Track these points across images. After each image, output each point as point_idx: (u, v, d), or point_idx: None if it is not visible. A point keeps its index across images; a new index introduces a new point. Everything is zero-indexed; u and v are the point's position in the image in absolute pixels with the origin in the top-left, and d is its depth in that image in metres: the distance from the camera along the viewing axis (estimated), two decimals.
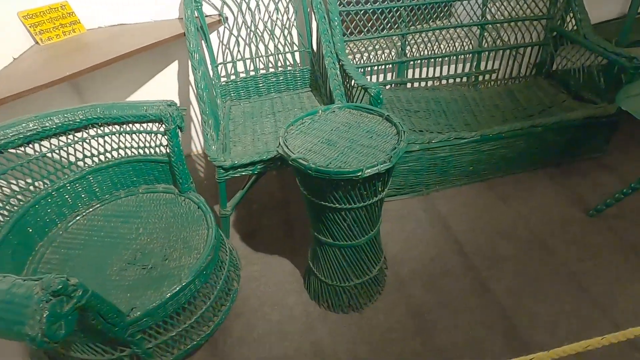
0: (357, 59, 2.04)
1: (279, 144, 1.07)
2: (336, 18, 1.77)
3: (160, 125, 1.27)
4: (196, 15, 1.69)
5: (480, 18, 2.05)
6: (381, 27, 1.98)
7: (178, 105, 1.28)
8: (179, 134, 1.27)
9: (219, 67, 1.87)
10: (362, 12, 1.90)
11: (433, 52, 2.09)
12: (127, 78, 1.94)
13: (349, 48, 2.01)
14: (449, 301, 1.35)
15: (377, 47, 2.02)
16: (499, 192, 1.78)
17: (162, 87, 1.98)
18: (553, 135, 1.79)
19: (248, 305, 1.40)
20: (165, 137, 1.28)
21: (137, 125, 1.29)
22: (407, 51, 2.06)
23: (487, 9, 2.03)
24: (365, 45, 2.01)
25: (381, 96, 1.45)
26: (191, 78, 2.01)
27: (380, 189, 1.09)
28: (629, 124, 1.68)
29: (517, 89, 2.17)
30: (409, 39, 2.04)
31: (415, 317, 1.31)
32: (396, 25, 1.99)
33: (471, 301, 1.35)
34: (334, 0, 1.78)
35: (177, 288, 1.04)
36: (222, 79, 1.88)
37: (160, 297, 1.03)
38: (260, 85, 1.95)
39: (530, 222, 1.62)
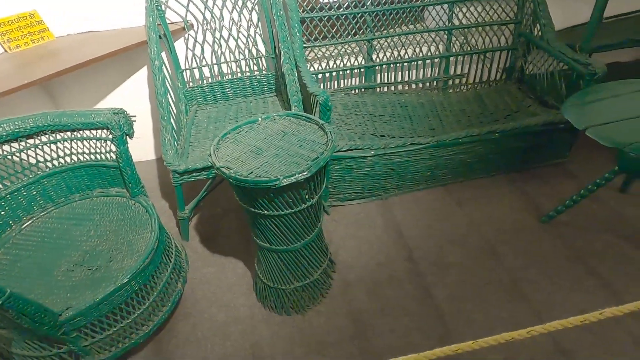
0: (324, 65, 2.06)
1: (209, 152, 1.11)
2: (296, 25, 1.81)
3: (108, 132, 1.32)
4: (158, 22, 1.74)
5: (447, 23, 2.06)
6: (346, 33, 2.01)
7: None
8: (127, 140, 1.32)
9: (186, 73, 1.92)
10: (326, 18, 1.93)
11: (401, 57, 2.11)
12: (100, 83, 2.01)
13: (313, 54, 2.04)
14: (391, 306, 1.38)
15: (342, 52, 2.05)
16: (457, 197, 1.80)
17: (133, 92, 2.04)
18: (513, 141, 1.79)
19: (197, 306, 1.44)
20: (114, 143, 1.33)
21: (87, 132, 1.34)
22: (374, 56, 2.08)
23: (454, 14, 2.04)
24: (331, 51, 2.04)
25: (329, 103, 1.49)
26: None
27: (307, 197, 1.12)
28: None
29: (485, 94, 2.18)
30: (375, 44, 2.06)
31: (355, 321, 1.35)
32: (361, 31, 2.01)
33: (412, 307, 1.37)
34: (294, 7, 1.82)
35: (110, 289, 1.09)
36: (189, 85, 1.93)
37: (93, 297, 1.08)
38: (227, 90, 1.99)
39: (483, 228, 1.63)
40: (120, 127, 1.29)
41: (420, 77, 2.19)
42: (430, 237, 1.62)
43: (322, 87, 2.12)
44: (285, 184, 0.99)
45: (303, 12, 1.90)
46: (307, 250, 1.28)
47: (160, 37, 1.74)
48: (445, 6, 2.03)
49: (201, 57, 1.91)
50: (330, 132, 1.18)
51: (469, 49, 2.13)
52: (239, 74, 1.98)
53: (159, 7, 1.72)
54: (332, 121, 1.92)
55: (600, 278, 1.39)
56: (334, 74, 2.09)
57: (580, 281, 1.39)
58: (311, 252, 1.30)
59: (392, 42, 2.07)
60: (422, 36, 2.09)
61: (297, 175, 1.00)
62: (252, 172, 1.03)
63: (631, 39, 1.91)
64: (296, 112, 1.30)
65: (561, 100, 1.86)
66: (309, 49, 2.01)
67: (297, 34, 1.80)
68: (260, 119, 1.29)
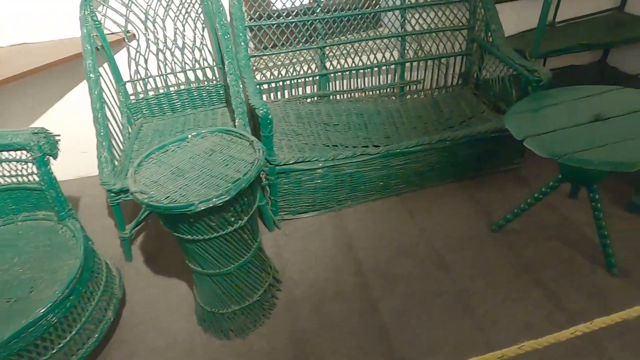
0: (276, 73, 2.01)
1: (127, 175, 1.05)
2: (241, 34, 1.75)
3: (28, 153, 1.24)
4: (95, 34, 1.66)
5: (400, 29, 2.04)
6: (297, 41, 1.96)
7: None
8: (49, 161, 1.25)
9: (130, 85, 1.84)
10: (275, 25, 1.88)
11: (355, 64, 2.07)
12: (39, 98, 1.91)
13: (264, 63, 1.98)
14: (335, 324, 1.34)
15: (294, 60, 2.01)
16: (410, 207, 1.77)
17: (77, 105, 1.95)
18: (465, 148, 1.78)
19: (135, 332, 1.38)
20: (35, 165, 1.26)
21: (6, 153, 1.26)
22: (327, 64, 2.04)
23: (407, 21, 2.02)
24: (282, 59, 1.99)
25: (269, 117, 1.44)
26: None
27: (234, 219, 1.07)
28: None
29: (442, 100, 2.16)
30: (328, 52, 2.02)
31: (297, 342, 1.30)
32: (312, 39, 1.97)
33: (357, 323, 1.33)
34: (239, 15, 1.76)
35: (22, 325, 1.02)
36: (132, 97, 1.86)
37: (3, 334, 1.00)
38: (175, 101, 1.92)
39: (433, 238, 1.61)
40: (40, 147, 1.21)
41: (376, 84, 2.16)
42: (380, 248, 1.59)
43: (275, 96, 2.07)
44: (201, 209, 0.93)
45: (250, 20, 1.85)
46: (243, 272, 1.23)
47: (98, 48, 1.67)
48: (398, 13, 2.01)
49: (146, 69, 1.84)
50: (259, 149, 1.13)
51: (423, 55, 2.11)
52: (187, 85, 1.91)
53: (94, 17, 1.65)
54: (283, 131, 1.88)
55: (546, 288, 1.38)
56: (287, 82, 2.04)
57: (526, 292, 1.37)
58: (248, 274, 1.25)
59: (345, 50, 2.03)
60: (376, 43, 2.06)
61: (214, 200, 0.94)
62: (168, 197, 0.97)
63: (580, 43, 1.92)
64: (228, 128, 1.24)
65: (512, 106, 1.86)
66: (259, 58, 1.96)
67: (243, 43, 1.75)
68: (189, 136, 1.23)
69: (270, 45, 1.94)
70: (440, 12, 2.03)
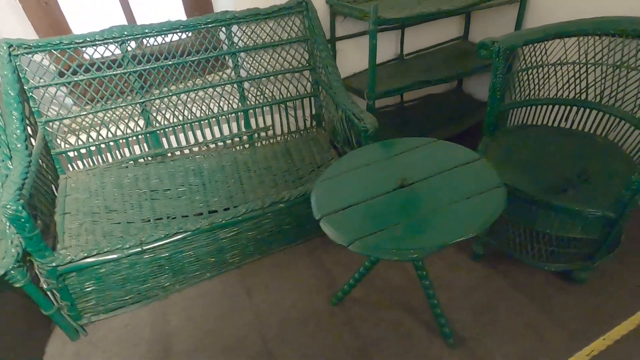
0: (94, 136, 1.69)
1: None
2: (13, 102, 1.41)
3: None
4: None
5: (235, 75, 1.83)
6: (114, 96, 1.67)
7: None
8: None
9: None
10: (72, 84, 1.57)
11: (186, 117, 1.82)
12: None
13: (77, 125, 1.66)
14: None
15: (113, 118, 1.70)
16: (249, 283, 1.54)
17: None
18: (307, 207, 1.59)
19: None
20: None
21: None
22: (159, 117, 1.77)
23: (238, 66, 1.81)
24: (100, 118, 1.67)
25: (22, 214, 1.12)
26: None
27: None
28: None
29: (294, 146, 1.98)
30: (149, 106, 1.75)
31: None
32: (134, 92, 1.69)
33: None
34: (10, 78, 1.43)
35: None
36: None
37: None
38: None
39: (267, 324, 1.38)
40: None
41: (219, 135, 1.93)
42: (203, 348, 1.33)
43: (95, 161, 1.74)
44: None
45: (62, 75, 1.52)
46: None
47: None
48: (228, 57, 1.80)
49: None
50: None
51: (265, 99, 1.92)
52: None
53: None
54: (90, 211, 1.55)
55: None
56: (111, 143, 1.73)
57: None
58: None
59: (174, 101, 1.78)
60: (207, 92, 1.82)
61: None
62: None
63: (418, 80, 1.85)
64: None
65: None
66: (74, 118, 1.63)
67: (15, 113, 1.41)
68: None
69: (94, 102, 1.63)
70: (276, 54, 1.85)
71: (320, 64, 1.85)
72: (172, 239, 1.41)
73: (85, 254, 1.29)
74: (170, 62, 1.69)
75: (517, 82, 1.65)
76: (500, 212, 0.97)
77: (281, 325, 1.37)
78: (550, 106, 1.62)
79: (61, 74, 1.58)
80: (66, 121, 1.63)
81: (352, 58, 2.06)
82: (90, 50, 1.57)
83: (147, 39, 1.64)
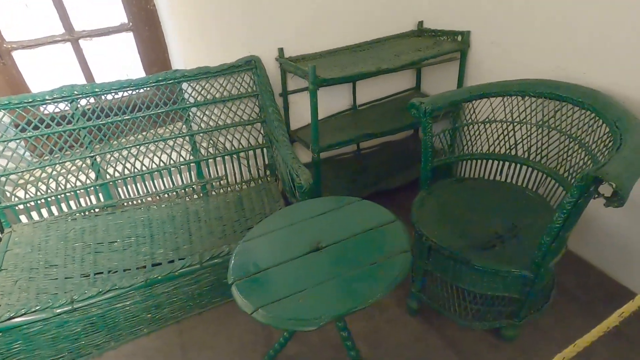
0: (43, 189, 1.72)
1: None
2: None
3: None
4: None
5: (187, 128, 1.89)
6: (62, 151, 1.72)
7: None
8: None
9: None
10: (44, 135, 1.62)
11: (137, 168, 1.86)
12: None
13: (33, 175, 1.70)
14: None
15: (62, 172, 1.74)
16: (186, 340, 1.53)
17: None
18: None
19: None
20: None
21: None
22: (102, 171, 1.81)
23: (190, 120, 1.88)
24: (49, 172, 1.71)
25: None
26: None
27: None
28: None
29: (246, 195, 2.01)
30: (97, 159, 1.79)
31: None
32: (84, 147, 1.74)
33: None
34: None
35: None
36: None
37: None
38: None
39: None
40: None
41: (172, 185, 1.97)
42: None
43: (45, 213, 1.77)
44: None
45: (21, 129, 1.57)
46: None
47: None
48: (179, 112, 1.87)
49: None
50: None
51: (217, 151, 1.97)
52: None
53: None
54: (29, 267, 1.56)
55: None
56: (61, 196, 1.76)
57: None
58: None
59: (124, 154, 1.83)
60: (158, 145, 1.88)
61: None
62: None
63: (361, 134, 1.92)
64: None
65: None
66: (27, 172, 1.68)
67: None
68: None
69: (42, 157, 1.68)
70: (227, 108, 1.93)
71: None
72: (105, 297, 1.40)
73: (12, 314, 1.29)
74: (119, 118, 1.76)
75: (457, 137, 1.72)
76: (401, 279, 0.99)
77: None
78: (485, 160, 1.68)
79: (11, 129, 1.63)
80: (13, 176, 1.67)
81: (304, 110, 2.14)
82: (42, 108, 1.64)
83: (98, 96, 1.71)
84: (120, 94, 1.74)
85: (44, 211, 1.78)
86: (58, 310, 1.35)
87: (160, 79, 1.76)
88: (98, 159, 1.79)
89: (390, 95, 2.37)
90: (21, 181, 1.69)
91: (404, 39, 2.16)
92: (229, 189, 2.07)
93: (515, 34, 1.71)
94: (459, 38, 1.93)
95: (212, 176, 2.02)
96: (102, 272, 1.59)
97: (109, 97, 1.73)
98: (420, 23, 2.18)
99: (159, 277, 1.47)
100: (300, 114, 2.16)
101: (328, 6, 1.97)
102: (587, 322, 1.41)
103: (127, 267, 1.62)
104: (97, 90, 1.68)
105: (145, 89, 1.77)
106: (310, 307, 0.96)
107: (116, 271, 1.60)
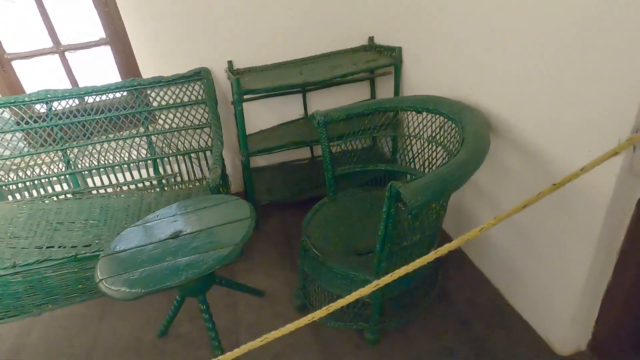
0: (20, 174, 2.09)
1: None
2: None
3: None
4: None
5: (144, 129, 2.17)
6: (39, 144, 2.08)
7: None
8: None
9: None
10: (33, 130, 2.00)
11: (101, 162, 2.17)
12: None
13: (23, 161, 2.09)
14: None
15: (38, 162, 2.10)
16: (108, 309, 1.77)
17: None
18: None
19: None
20: None
21: None
22: (71, 163, 2.14)
23: (147, 122, 2.15)
24: (27, 162, 2.08)
25: None
26: None
27: None
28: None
29: (195, 192, 2.22)
30: (67, 153, 2.12)
31: None
32: (56, 142, 2.09)
33: None
34: None
35: None
36: None
37: None
38: None
39: (98, 348, 1.59)
40: None
41: (132, 179, 2.25)
42: None
43: (25, 195, 2.14)
44: None
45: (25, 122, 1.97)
46: None
47: None
48: (137, 115, 2.15)
49: None
50: None
51: (171, 150, 2.22)
52: None
53: None
54: None
55: None
56: (36, 181, 2.13)
57: None
58: None
59: (90, 150, 2.14)
60: (118, 143, 2.17)
61: None
62: None
63: (290, 141, 2.05)
64: None
65: None
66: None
67: None
68: None
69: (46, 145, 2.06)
70: (179, 113, 2.17)
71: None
72: (42, 265, 1.70)
73: None
74: (84, 119, 2.07)
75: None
76: (212, 270, 1.14)
77: (106, 352, 1.57)
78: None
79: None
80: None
81: (257, 116, 2.32)
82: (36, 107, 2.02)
83: (68, 100, 2.05)
84: (86, 98, 2.06)
85: (23, 194, 2.14)
86: (1, 272, 1.66)
87: (119, 86, 2.06)
88: (68, 152, 2.12)
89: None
90: (14, 167, 2.07)
91: (354, 53, 2.26)
92: (182, 185, 2.32)
93: (430, 52, 1.74)
94: (393, 54, 1.99)
95: (167, 173, 2.27)
96: (53, 246, 1.89)
97: (77, 100, 2.06)
98: (371, 38, 2.27)
99: (87, 255, 1.73)
100: (255, 119, 2.34)
101: (280, 22, 2.15)
102: (458, 336, 1.42)
103: (75, 244, 1.91)
104: (66, 95, 2.02)
105: (107, 95, 2.08)
106: (143, 280, 1.14)
107: (65, 246, 1.90)
